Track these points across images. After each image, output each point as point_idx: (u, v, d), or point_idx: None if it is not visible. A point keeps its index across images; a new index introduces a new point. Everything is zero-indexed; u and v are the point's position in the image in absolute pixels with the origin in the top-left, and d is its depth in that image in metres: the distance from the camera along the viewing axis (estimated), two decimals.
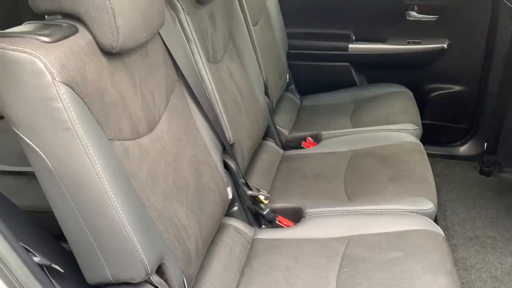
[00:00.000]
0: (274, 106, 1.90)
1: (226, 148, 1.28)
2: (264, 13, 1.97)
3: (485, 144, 2.21)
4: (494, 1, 1.96)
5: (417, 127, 1.76)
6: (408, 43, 2.13)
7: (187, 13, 1.19)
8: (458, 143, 2.31)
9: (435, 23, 2.09)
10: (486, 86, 2.13)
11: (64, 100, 0.70)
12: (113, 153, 0.81)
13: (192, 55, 1.20)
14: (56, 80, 0.69)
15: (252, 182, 1.46)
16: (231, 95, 1.42)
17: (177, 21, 1.16)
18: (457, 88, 2.21)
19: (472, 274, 1.64)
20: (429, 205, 1.28)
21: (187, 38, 1.19)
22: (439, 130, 2.29)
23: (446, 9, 2.05)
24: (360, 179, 1.46)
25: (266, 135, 1.76)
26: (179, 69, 1.11)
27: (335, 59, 2.24)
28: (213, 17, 1.40)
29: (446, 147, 2.32)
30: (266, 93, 1.80)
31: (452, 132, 2.31)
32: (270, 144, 1.74)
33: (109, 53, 0.83)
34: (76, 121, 0.72)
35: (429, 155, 1.70)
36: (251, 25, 1.75)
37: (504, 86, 2.06)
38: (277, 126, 1.87)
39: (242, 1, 1.69)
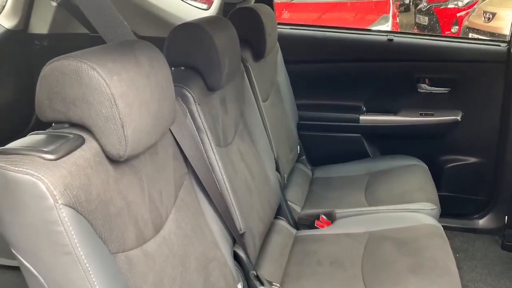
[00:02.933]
0: (285, 181, 1.85)
1: (236, 239, 1.22)
2: (274, 87, 1.98)
3: (506, 217, 2.12)
4: (507, 75, 1.96)
5: (435, 207, 1.69)
6: (421, 114, 2.11)
7: (198, 104, 1.17)
8: (477, 215, 2.22)
9: (447, 96, 2.08)
10: (504, 157, 2.07)
11: (65, 222, 0.66)
12: (116, 270, 0.76)
13: (202, 145, 1.18)
14: (58, 202, 0.65)
15: (264, 268, 1.39)
16: (241, 178, 1.38)
17: (188, 113, 1.14)
18: (473, 159, 2.16)
19: None
20: None
21: (198, 129, 1.17)
22: (456, 202, 2.21)
23: (458, 82, 2.05)
24: (379, 267, 1.38)
25: (278, 213, 1.70)
26: (189, 161, 1.08)
27: (347, 130, 2.22)
28: (224, 102, 1.39)
29: (465, 219, 2.23)
30: (277, 169, 1.76)
31: (471, 204, 2.23)
32: (282, 223, 1.68)
33: (116, 160, 0.80)
34: (78, 245, 0.67)
35: (447, 228, 1.62)
36: (261, 102, 1.74)
37: None
38: (289, 203, 1.81)
39: (253, 80, 1.69)
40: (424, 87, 2.10)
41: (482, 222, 2.20)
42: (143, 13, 2.14)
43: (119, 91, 0.75)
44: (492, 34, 5.08)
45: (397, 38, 2.09)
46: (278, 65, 2.05)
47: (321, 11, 5.26)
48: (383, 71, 2.14)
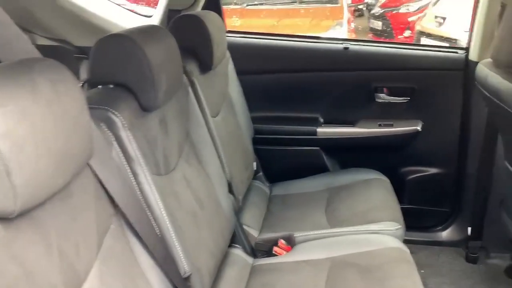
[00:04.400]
0: (240, 204, 1.70)
1: (177, 285, 1.04)
2: (226, 101, 1.82)
3: (469, 228, 2.07)
4: (465, 83, 1.90)
5: (399, 226, 1.58)
6: (380, 125, 2.02)
7: (129, 128, 1.00)
8: (441, 227, 2.17)
9: (407, 105, 2.00)
10: (464, 167, 2.02)
11: None
12: None
13: (134, 177, 1.00)
14: None
15: None
16: (187, 209, 1.21)
17: (115, 141, 0.96)
18: (434, 170, 2.10)
19: None
20: None
21: (128, 158, 0.99)
22: (419, 215, 2.14)
23: (417, 91, 1.97)
24: None
25: (233, 241, 1.54)
26: (116, 200, 0.90)
27: (304, 143, 2.10)
28: (164, 122, 1.21)
29: (428, 232, 2.17)
30: (231, 191, 1.60)
31: (434, 216, 2.17)
32: (237, 253, 1.52)
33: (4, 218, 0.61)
34: None
35: (411, 242, 1.54)
36: (210, 118, 1.58)
37: (483, 168, 1.95)
38: (245, 227, 1.65)
39: (199, 94, 1.53)
40: (383, 97, 2.02)
41: (445, 234, 2.14)
42: (77, 20, 1.92)
43: (1, 129, 0.57)
44: (444, 38, 5.17)
45: (353, 46, 1.99)
46: (229, 77, 1.90)
47: (275, 17, 5.16)
48: (339, 80, 2.04)
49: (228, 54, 1.89)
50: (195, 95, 1.50)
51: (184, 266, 1.07)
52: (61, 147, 0.68)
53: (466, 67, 1.88)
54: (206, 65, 1.61)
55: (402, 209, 1.73)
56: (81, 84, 1.42)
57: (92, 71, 1.08)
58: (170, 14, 1.97)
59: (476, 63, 1.72)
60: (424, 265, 2.02)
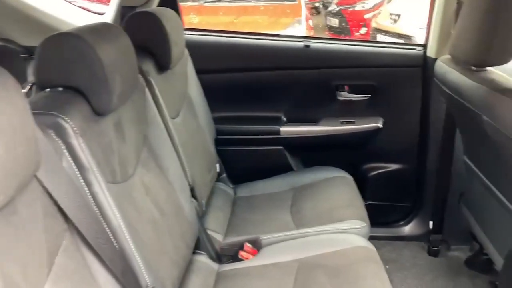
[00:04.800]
0: (204, 208, 1.64)
1: None
2: (186, 101, 1.75)
3: (430, 222, 2.11)
4: (424, 79, 1.92)
5: (365, 224, 1.58)
6: (342, 123, 2.02)
7: (80, 135, 0.92)
8: (403, 222, 2.20)
9: (368, 103, 2.01)
10: (424, 162, 2.05)
11: None
12: None
13: (87, 187, 0.92)
14: None
15: None
16: (147, 218, 1.14)
17: (65, 150, 0.88)
18: (396, 166, 2.12)
19: None
20: None
21: (81, 167, 0.91)
22: (382, 211, 2.16)
23: (378, 88, 1.98)
24: None
25: (197, 247, 1.48)
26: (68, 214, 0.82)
27: (268, 143, 2.07)
28: (120, 126, 1.14)
29: (391, 227, 2.20)
30: (194, 196, 1.54)
31: (396, 211, 2.20)
32: (202, 260, 1.46)
33: None
34: None
35: (375, 238, 1.55)
36: (169, 120, 1.51)
37: (443, 163, 1.99)
38: (209, 232, 1.60)
39: (157, 95, 1.46)
40: (344, 95, 2.02)
41: (408, 229, 2.18)
42: (22, 18, 1.79)
43: None
44: (399, 35, 5.30)
45: (313, 44, 1.98)
46: (189, 76, 1.83)
47: (234, 14, 5.10)
48: (301, 79, 2.02)
49: (186, 52, 1.83)
50: (152, 96, 1.43)
51: (146, 279, 1.01)
52: (1, 160, 0.60)
53: (425, 63, 1.90)
54: (163, 65, 1.54)
55: (366, 205, 1.73)
56: (29, 87, 1.32)
57: (39, 73, 1.00)
58: (124, 11, 1.87)
59: (434, 59, 1.74)
60: (389, 261, 2.04)
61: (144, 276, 1.00)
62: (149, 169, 1.26)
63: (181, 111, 1.67)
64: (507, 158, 1.29)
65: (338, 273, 1.32)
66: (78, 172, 0.90)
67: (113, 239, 0.94)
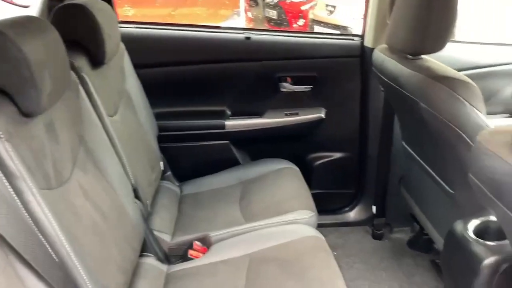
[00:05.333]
0: (149, 208, 1.58)
1: None
2: (124, 97, 1.67)
3: (373, 207, 2.18)
4: (362, 69, 1.97)
5: (312, 213, 1.60)
6: (286, 115, 2.03)
7: (6, 140, 0.84)
8: (348, 208, 2.26)
9: (310, 94, 2.03)
10: (365, 150, 2.11)
11: None
12: None
13: (19, 196, 0.84)
14: None
15: None
16: (88, 224, 1.08)
17: None
18: (339, 155, 2.17)
19: None
20: None
21: (10, 175, 0.83)
22: (328, 198, 2.21)
23: (319, 79, 2.01)
24: None
25: (144, 249, 1.42)
26: None
27: (213, 137, 2.03)
28: (52, 127, 1.06)
29: (337, 214, 2.25)
30: (137, 196, 1.48)
31: (341, 198, 2.26)
32: (149, 262, 1.41)
33: None
34: None
35: (322, 225, 1.58)
36: (106, 118, 1.43)
37: (383, 150, 2.06)
38: (156, 233, 1.54)
39: (92, 93, 1.37)
40: (287, 86, 2.02)
41: (353, 215, 2.24)
42: None
43: None
44: (335, 26, 5.43)
45: (254, 36, 1.96)
46: (126, 71, 1.74)
47: (171, 6, 4.97)
48: (243, 71, 2.00)
49: (122, 46, 1.74)
50: (87, 93, 1.34)
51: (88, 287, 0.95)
52: None
53: (363, 53, 1.95)
54: (97, 60, 1.45)
55: (312, 194, 1.75)
56: None
57: None
58: (51, 3, 1.74)
59: (372, 49, 1.79)
60: (336, 247, 2.09)
61: (88, 286, 0.94)
62: (87, 171, 1.19)
63: (119, 108, 1.59)
64: (443, 141, 1.35)
65: (288, 264, 1.32)
66: (6, 181, 0.82)
67: (51, 251, 0.87)
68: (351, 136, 2.12)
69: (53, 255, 0.87)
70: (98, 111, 1.38)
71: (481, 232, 1.25)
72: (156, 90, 1.91)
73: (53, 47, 1.04)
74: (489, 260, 1.16)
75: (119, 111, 1.58)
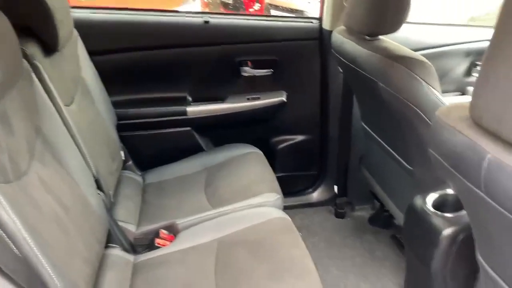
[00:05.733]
0: (112, 199, 1.54)
1: None
2: (80, 86, 1.61)
3: (335, 187, 2.24)
4: (321, 51, 1.99)
5: (278, 196, 1.62)
6: (248, 99, 2.03)
7: None
8: (311, 190, 2.30)
9: (271, 77, 2.03)
10: (326, 132, 2.15)
11: None
12: None
13: None
14: None
15: None
16: (50, 218, 1.04)
17: None
18: (301, 137, 2.19)
19: None
20: None
21: None
22: (292, 181, 2.25)
23: (279, 62, 2.01)
24: (236, 283, 1.22)
25: (109, 241, 1.39)
26: None
27: (175, 124, 2.00)
28: (6, 118, 1.00)
29: (301, 196, 2.29)
30: (99, 187, 1.44)
31: (304, 180, 2.30)
32: (115, 253, 1.38)
33: None
34: None
35: (287, 207, 1.60)
36: (63, 107, 1.37)
37: (343, 131, 2.11)
38: (120, 224, 1.51)
39: (46, 81, 1.31)
40: (248, 70, 2.01)
41: (316, 195, 2.29)
42: None
43: None
44: (291, 10, 5.44)
45: (213, 20, 1.93)
46: (81, 58, 1.67)
47: None
48: (203, 56, 1.97)
49: (75, 33, 1.66)
50: (40, 82, 1.28)
51: (56, 283, 0.92)
52: None
53: (321, 36, 1.97)
54: (50, 47, 1.38)
55: (276, 177, 1.77)
56: None
57: None
58: None
59: (330, 31, 1.81)
60: (301, 228, 2.13)
61: (54, 280, 0.91)
62: (46, 163, 1.14)
63: (75, 97, 1.53)
64: (401, 120, 1.39)
65: (257, 246, 1.34)
66: None
67: (12, 246, 0.84)
68: (312, 119, 2.15)
69: (15, 251, 0.84)
70: (53, 100, 1.32)
71: (439, 205, 1.31)
72: (113, 78, 1.85)
73: (2, 34, 0.98)
74: (447, 231, 1.22)
75: (75, 100, 1.52)
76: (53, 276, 0.91)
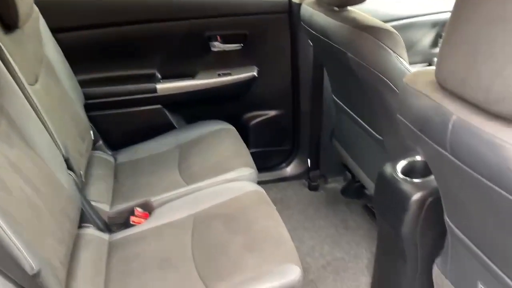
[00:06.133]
0: (83, 179, 1.52)
1: (27, 286, 0.88)
2: (44, 64, 1.55)
3: (308, 160, 2.27)
4: (291, 25, 1.99)
5: (252, 170, 1.63)
6: (219, 75, 2.01)
7: None
8: (285, 164, 2.32)
9: (241, 52, 2.02)
10: (298, 106, 2.16)
11: None
12: None
13: None
14: None
15: None
16: (20, 199, 1.01)
17: None
18: (273, 112, 2.20)
19: None
20: (296, 272, 1.15)
21: None
22: (265, 156, 2.26)
23: (250, 37, 2.00)
24: (212, 255, 1.23)
25: (82, 220, 1.38)
26: None
27: (145, 102, 1.97)
28: None
29: (275, 171, 2.32)
30: (70, 167, 1.41)
31: (278, 155, 2.32)
32: (90, 232, 1.37)
33: None
34: None
35: (262, 182, 1.62)
36: (27, 87, 1.33)
37: (314, 105, 2.12)
38: (93, 204, 1.49)
39: (8, 59, 1.26)
40: (217, 45, 1.99)
41: (290, 170, 2.32)
42: None
43: None
44: None
45: None
46: (43, 36, 1.62)
47: None
48: (171, 31, 1.93)
49: (36, 9, 1.60)
50: (2, 60, 1.24)
51: (30, 262, 0.90)
52: None
53: (290, 8, 1.95)
54: (10, 23, 1.33)
55: (251, 153, 1.78)
56: None
57: None
58: None
59: (299, 4, 1.80)
60: (276, 201, 2.13)
61: (28, 260, 0.90)
62: (12, 144, 1.11)
63: (39, 76, 1.48)
64: (370, 90, 1.42)
65: (233, 218, 1.35)
66: None
67: None
68: (284, 93, 2.15)
69: None
70: (16, 79, 1.28)
71: (408, 172, 1.35)
72: (79, 56, 1.80)
73: None
74: (416, 196, 1.26)
75: (40, 79, 1.47)
76: (26, 255, 0.89)
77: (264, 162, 2.22)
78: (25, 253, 0.90)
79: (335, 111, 1.95)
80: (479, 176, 0.72)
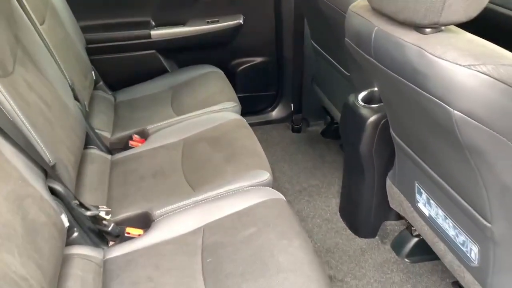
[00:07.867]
0: (87, 109, 1.73)
1: (48, 172, 1.11)
2: (49, 8, 1.74)
3: (292, 104, 2.47)
4: None
5: (236, 104, 1.84)
6: (208, 23, 2.19)
7: None
8: (270, 108, 2.53)
9: (229, 1, 2.18)
10: (282, 53, 2.35)
11: None
12: None
13: None
14: None
15: (86, 199, 1.32)
16: (36, 109, 1.23)
17: None
18: (259, 59, 2.38)
19: (309, 222, 1.85)
20: (266, 175, 1.37)
21: None
22: (252, 101, 2.45)
23: None
24: (199, 167, 1.46)
25: (87, 143, 1.60)
26: None
27: (140, 48, 2.16)
28: None
29: (260, 114, 2.52)
30: (76, 97, 1.62)
31: (263, 100, 2.51)
32: (94, 152, 1.60)
33: None
34: None
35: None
36: (38, 25, 1.53)
37: (296, 50, 2.31)
38: (96, 131, 1.71)
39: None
40: None
41: (274, 114, 2.53)
42: None
43: None
44: None
45: None
46: None
47: None
48: None
49: None
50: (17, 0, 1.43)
51: (47, 156, 1.13)
52: None
53: None
54: None
55: (238, 97, 1.97)
56: None
57: None
58: None
59: None
60: (261, 141, 2.32)
61: (46, 153, 1.12)
62: (27, 69, 1.31)
63: (46, 18, 1.67)
64: (336, 28, 1.61)
65: (217, 140, 1.57)
66: None
67: (11, 119, 1.04)
68: (268, 41, 2.33)
69: (13, 121, 1.04)
70: (29, 16, 1.47)
71: (368, 101, 1.57)
72: (81, 3, 1.98)
73: None
74: (372, 118, 1.49)
75: (46, 21, 1.66)
76: (44, 149, 1.12)
77: (251, 107, 2.42)
78: (43, 147, 1.12)
79: (315, 56, 2.14)
80: (395, 75, 0.93)
